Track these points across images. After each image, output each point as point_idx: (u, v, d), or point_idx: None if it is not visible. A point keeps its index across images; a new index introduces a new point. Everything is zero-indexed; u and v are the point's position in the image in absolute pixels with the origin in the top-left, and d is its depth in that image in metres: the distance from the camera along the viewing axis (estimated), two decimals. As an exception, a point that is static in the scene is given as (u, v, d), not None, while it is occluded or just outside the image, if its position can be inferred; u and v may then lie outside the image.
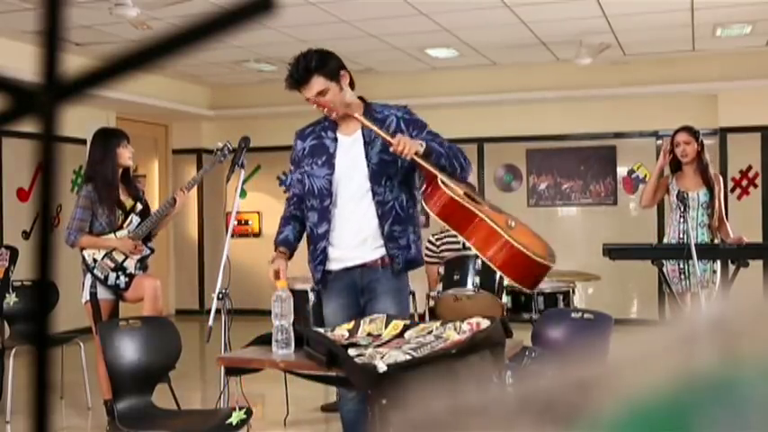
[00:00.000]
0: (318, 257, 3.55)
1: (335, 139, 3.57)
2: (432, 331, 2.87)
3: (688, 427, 0.39)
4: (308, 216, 3.59)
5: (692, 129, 5.58)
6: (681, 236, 5.44)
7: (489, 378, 2.78)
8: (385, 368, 2.48)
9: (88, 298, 4.96)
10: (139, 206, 5.12)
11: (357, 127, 3.53)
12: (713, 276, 5.43)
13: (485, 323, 2.81)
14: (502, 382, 3.28)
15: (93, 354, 4.85)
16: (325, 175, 3.53)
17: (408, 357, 2.55)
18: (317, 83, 3.45)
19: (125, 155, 5.07)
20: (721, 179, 5.68)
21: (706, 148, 5.61)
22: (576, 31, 7.47)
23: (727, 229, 5.54)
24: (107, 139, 5.06)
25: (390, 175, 3.50)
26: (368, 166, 3.50)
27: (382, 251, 3.52)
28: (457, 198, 3.22)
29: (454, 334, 2.77)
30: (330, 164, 3.54)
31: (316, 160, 3.56)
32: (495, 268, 3.22)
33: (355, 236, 3.52)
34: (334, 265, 3.56)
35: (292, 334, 3.05)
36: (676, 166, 5.58)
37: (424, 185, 3.37)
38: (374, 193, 3.50)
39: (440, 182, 3.24)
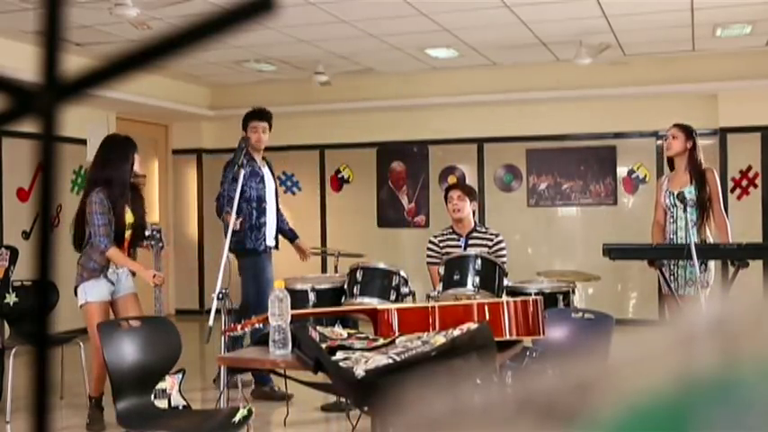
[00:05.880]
0: None
1: None
2: (420, 336, 2.86)
3: (687, 428, 0.39)
4: None
5: (682, 125, 5.52)
6: (670, 236, 5.40)
7: (476, 380, 2.76)
8: (363, 374, 2.46)
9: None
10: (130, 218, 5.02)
11: None
12: (702, 277, 5.19)
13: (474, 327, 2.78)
14: (501, 382, 3.27)
15: (93, 354, 4.86)
16: None
17: (390, 361, 2.54)
18: None
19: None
20: (716, 174, 5.50)
21: (702, 147, 5.50)
22: (576, 31, 7.47)
23: (723, 227, 5.34)
24: (125, 146, 5.03)
25: None
26: None
27: None
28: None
29: (442, 339, 2.76)
30: None
31: None
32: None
33: None
34: None
35: (289, 334, 3.05)
36: (672, 164, 5.57)
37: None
38: None
39: None
